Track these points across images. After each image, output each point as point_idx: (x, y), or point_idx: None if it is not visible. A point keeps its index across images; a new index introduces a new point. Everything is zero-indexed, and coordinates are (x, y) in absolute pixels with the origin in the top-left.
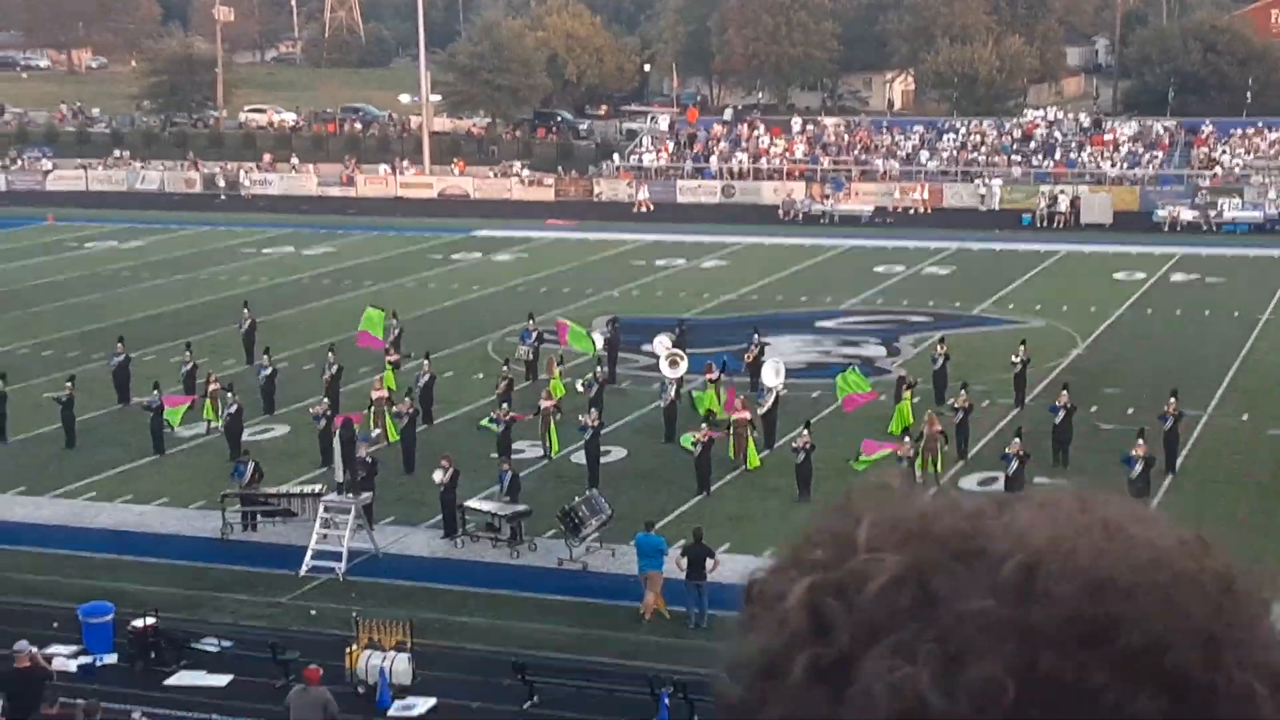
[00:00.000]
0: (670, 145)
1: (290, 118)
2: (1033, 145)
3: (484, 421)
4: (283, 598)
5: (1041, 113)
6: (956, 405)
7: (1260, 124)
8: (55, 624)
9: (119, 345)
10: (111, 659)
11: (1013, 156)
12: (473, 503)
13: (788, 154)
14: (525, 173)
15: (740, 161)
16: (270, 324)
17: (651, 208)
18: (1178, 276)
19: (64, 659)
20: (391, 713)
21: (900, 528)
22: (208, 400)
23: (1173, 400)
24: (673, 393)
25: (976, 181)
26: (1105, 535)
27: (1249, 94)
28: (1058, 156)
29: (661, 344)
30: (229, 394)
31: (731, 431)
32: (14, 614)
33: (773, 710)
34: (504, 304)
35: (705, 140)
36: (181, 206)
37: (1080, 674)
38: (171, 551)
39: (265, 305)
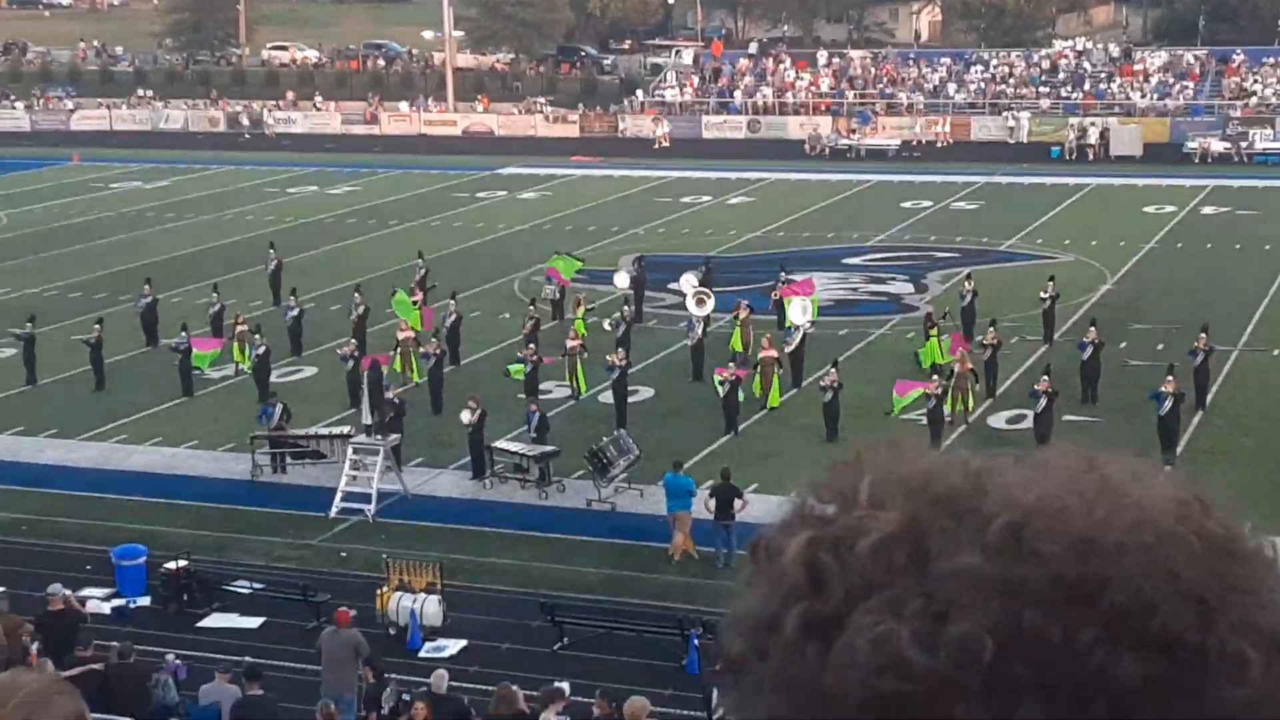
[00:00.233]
0: (695, 80)
1: (313, 55)
2: (1061, 76)
3: (512, 367)
4: (313, 540)
5: (1070, 43)
6: (985, 342)
7: None
8: (89, 567)
9: (146, 287)
10: (144, 601)
11: (1041, 88)
12: (501, 443)
13: (813, 88)
14: (549, 109)
15: (765, 96)
16: (296, 264)
17: (669, 143)
18: (1208, 209)
19: (97, 601)
20: (422, 654)
21: (902, 485)
22: (235, 342)
23: (1203, 335)
24: (699, 331)
25: (1005, 114)
26: (1098, 495)
27: None
28: (1086, 88)
29: (688, 282)
30: (256, 335)
31: (759, 370)
32: (48, 557)
33: (768, 664)
34: (530, 242)
35: (730, 75)
36: (205, 146)
37: (1065, 633)
38: (202, 494)
39: (291, 245)
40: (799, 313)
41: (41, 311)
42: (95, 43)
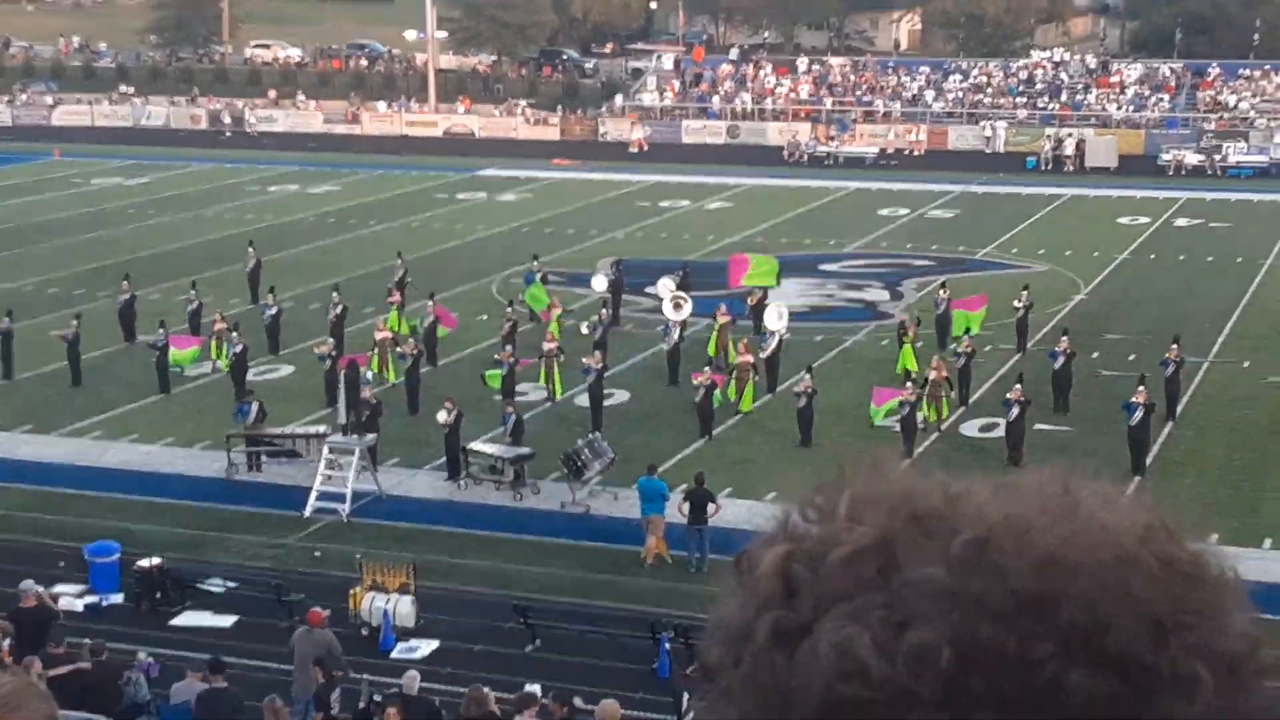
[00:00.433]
0: (676, 85)
1: (296, 54)
2: (1038, 87)
3: (488, 374)
4: (287, 539)
5: (1048, 54)
6: (959, 350)
7: (1267, 66)
8: (62, 563)
9: (125, 283)
10: (117, 599)
11: (1018, 99)
12: (476, 445)
13: (793, 94)
14: (530, 111)
15: (744, 102)
16: (275, 263)
17: (645, 148)
18: (1181, 221)
19: (70, 598)
20: (395, 655)
21: (881, 502)
22: (213, 340)
23: (1174, 346)
24: (676, 335)
25: (982, 124)
26: (1064, 515)
27: (1256, 35)
28: (1063, 99)
29: (665, 286)
30: (234, 333)
31: (734, 375)
32: (20, 553)
33: (740, 669)
34: (509, 244)
35: (712, 80)
36: (187, 143)
37: (1021, 646)
38: (177, 491)
39: (270, 244)
40: (774, 318)
41: (20, 306)
42: (78, 38)
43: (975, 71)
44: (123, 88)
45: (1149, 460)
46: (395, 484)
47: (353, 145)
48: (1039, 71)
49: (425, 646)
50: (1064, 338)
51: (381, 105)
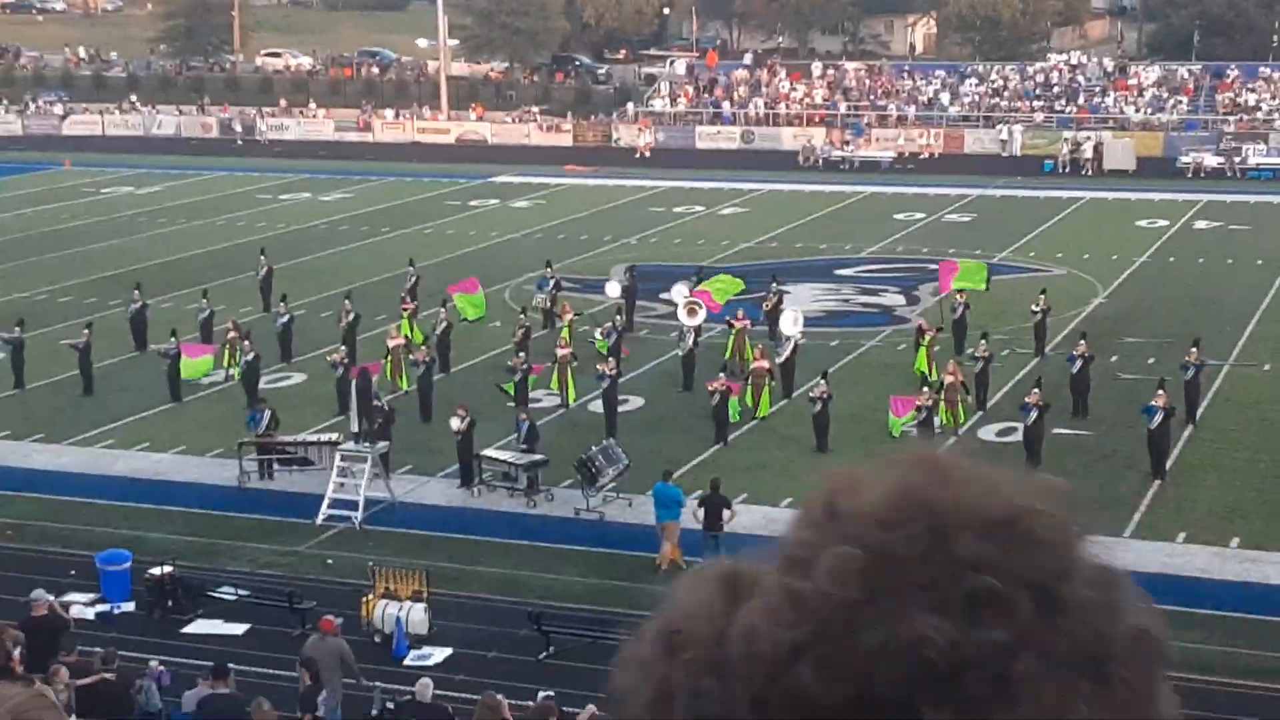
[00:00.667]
0: (690, 90)
1: (307, 62)
2: (1055, 90)
3: (505, 386)
4: (299, 546)
5: (1065, 57)
6: (976, 355)
7: None
8: (73, 571)
9: (136, 292)
10: (129, 607)
11: (1035, 102)
12: (490, 452)
13: (807, 99)
14: (542, 118)
15: (757, 106)
16: (287, 271)
17: (649, 154)
18: (1200, 224)
19: (81, 607)
20: (407, 662)
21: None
22: (225, 347)
23: (1194, 349)
24: (690, 341)
25: (998, 127)
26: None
27: (1275, 37)
28: (1081, 101)
29: (679, 292)
30: (246, 341)
31: (750, 381)
32: (32, 561)
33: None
34: (522, 251)
35: (726, 85)
36: (198, 152)
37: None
38: (189, 499)
39: (282, 252)
40: (790, 323)
41: (31, 315)
42: (86, 49)
43: (992, 75)
44: (133, 97)
45: (1169, 464)
46: (408, 491)
47: (364, 153)
48: (1056, 74)
49: (438, 654)
50: (1082, 341)
51: (389, 113)
